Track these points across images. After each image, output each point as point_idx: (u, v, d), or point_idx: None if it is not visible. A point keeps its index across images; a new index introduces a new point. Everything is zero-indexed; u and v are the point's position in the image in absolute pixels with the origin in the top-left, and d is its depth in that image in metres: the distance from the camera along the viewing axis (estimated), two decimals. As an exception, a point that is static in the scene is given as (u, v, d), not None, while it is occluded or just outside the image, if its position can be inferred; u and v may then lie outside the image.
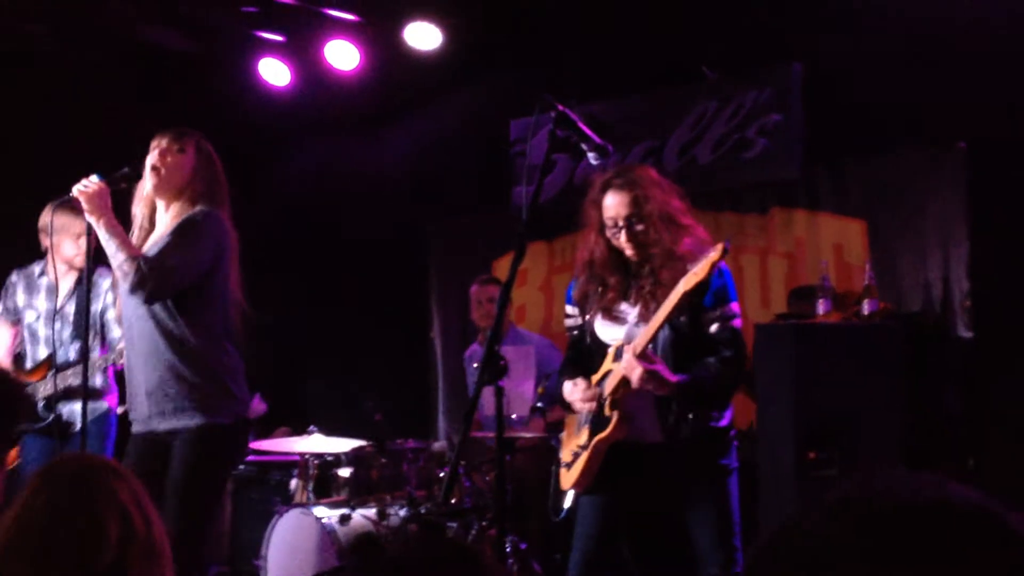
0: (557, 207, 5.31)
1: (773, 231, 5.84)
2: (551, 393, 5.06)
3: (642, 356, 3.15)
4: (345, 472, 5.30)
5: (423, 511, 4.97)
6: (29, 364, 4.64)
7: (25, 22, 5.88)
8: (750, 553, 0.93)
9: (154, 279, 3.42)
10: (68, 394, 4.42)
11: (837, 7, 5.42)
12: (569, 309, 3.59)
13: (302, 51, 6.56)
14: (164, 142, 3.61)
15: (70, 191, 3.51)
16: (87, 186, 3.46)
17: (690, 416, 3.26)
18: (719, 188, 5.93)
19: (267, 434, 5.68)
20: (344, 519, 4.88)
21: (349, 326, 6.90)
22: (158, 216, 3.68)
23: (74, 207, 4.29)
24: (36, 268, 4.72)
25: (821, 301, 4.75)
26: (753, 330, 4.56)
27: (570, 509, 3.48)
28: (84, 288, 3.77)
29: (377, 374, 6.63)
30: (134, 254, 3.45)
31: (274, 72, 6.68)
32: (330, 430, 5.46)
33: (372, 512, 4.96)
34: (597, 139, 3.07)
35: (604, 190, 3.38)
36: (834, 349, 4.43)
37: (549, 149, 3.02)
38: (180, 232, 3.53)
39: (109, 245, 3.46)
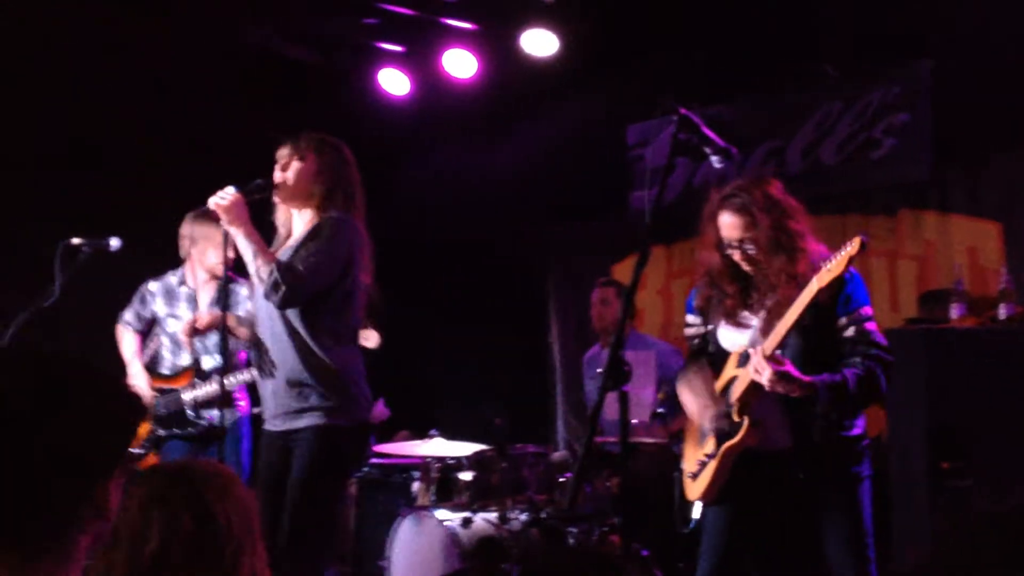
0: (676, 211, 5.26)
1: (902, 233, 5.67)
2: (672, 400, 5.02)
3: (771, 358, 3.09)
4: (466, 476, 5.34)
5: (544, 516, 4.98)
6: (168, 371, 4.81)
7: (163, 40, 6.11)
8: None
9: (287, 285, 3.50)
10: (212, 401, 4.58)
11: (967, 1, 5.23)
12: (690, 318, 3.56)
13: (421, 60, 6.67)
14: (284, 152, 3.72)
15: (206, 203, 3.64)
16: (223, 198, 3.57)
17: (832, 417, 3.17)
18: (845, 190, 5.79)
19: (388, 437, 5.78)
20: (466, 522, 4.93)
21: (468, 331, 6.96)
22: (293, 224, 3.79)
23: (214, 217, 4.49)
24: (173, 278, 4.88)
25: (955, 305, 4.59)
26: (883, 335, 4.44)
27: (697, 520, 3.43)
28: (224, 296, 3.89)
29: (497, 379, 6.67)
30: (269, 261, 3.55)
31: (394, 82, 6.81)
32: (451, 434, 5.53)
33: (493, 516, 4.99)
34: (721, 142, 3.04)
35: (720, 208, 3.34)
36: (968, 355, 4.27)
37: (671, 153, 3.00)
38: (311, 239, 3.62)
39: (247, 253, 3.57)
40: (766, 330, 3.22)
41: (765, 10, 5.83)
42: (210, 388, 4.59)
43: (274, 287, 3.51)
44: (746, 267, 3.32)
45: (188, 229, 4.77)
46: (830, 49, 5.82)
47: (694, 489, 3.41)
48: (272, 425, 3.69)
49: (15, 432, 1.36)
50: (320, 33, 6.55)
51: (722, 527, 3.34)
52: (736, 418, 3.27)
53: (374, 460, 5.71)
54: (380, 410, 5.02)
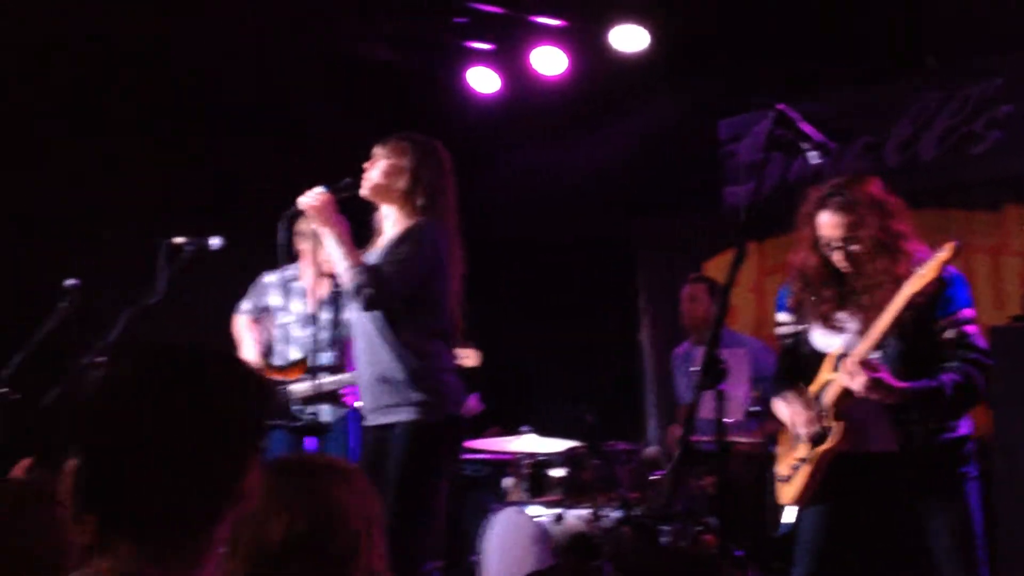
0: (770, 207, 5.19)
1: (1007, 229, 5.50)
2: (767, 399, 4.96)
3: (864, 364, 3.04)
4: (558, 472, 5.35)
5: (636, 513, 4.97)
6: (279, 361, 4.92)
7: (260, 43, 6.25)
8: None
9: (371, 288, 3.55)
10: (320, 396, 4.66)
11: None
12: (782, 316, 3.49)
13: (510, 58, 6.70)
14: (377, 151, 3.77)
15: (296, 204, 3.70)
16: (313, 198, 3.64)
17: (929, 424, 3.11)
18: (945, 184, 5.64)
19: (479, 433, 5.82)
20: (558, 519, 4.94)
21: (559, 328, 6.96)
22: (384, 223, 3.83)
23: None
24: (290, 272, 4.99)
25: (1062, 302, 4.44)
26: (987, 333, 4.31)
27: (790, 524, 3.38)
28: (338, 295, 3.95)
29: (588, 375, 6.68)
30: (355, 264, 3.59)
31: (483, 80, 6.85)
32: (542, 430, 5.54)
33: (585, 512, 5.00)
34: (819, 137, 2.98)
35: (819, 206, 3.27)
36: (1078, 352, 4.14)
37: (767, 148, 2.96)
38: (399, 243, 3.66)
39: (336, 253, 3.62)
40: (863, 333, 3.17)
41: (860, 1, 5.72)
42: (319, 383, 4.67)
43: (357, 290, 3.56)
44: (844, 267, 3.26)
45: (309, 226, 4.89)
46: (929, 41, 5.68)
47: (786, 493, 3.37)
48: (369, 420, 3.76)
49: (154, 425, 1.39)
50: (410, 34, 6.62)
51: (817, 530, 3.28)
52: (830, 423, 3.21)
53: (466, 456, 5.76)
54: (473, 404, 5.05)
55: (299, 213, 3.75)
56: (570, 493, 5.20)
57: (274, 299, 4.97)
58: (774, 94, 3.11)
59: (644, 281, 7.14)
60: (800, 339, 3.40)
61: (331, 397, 4.64)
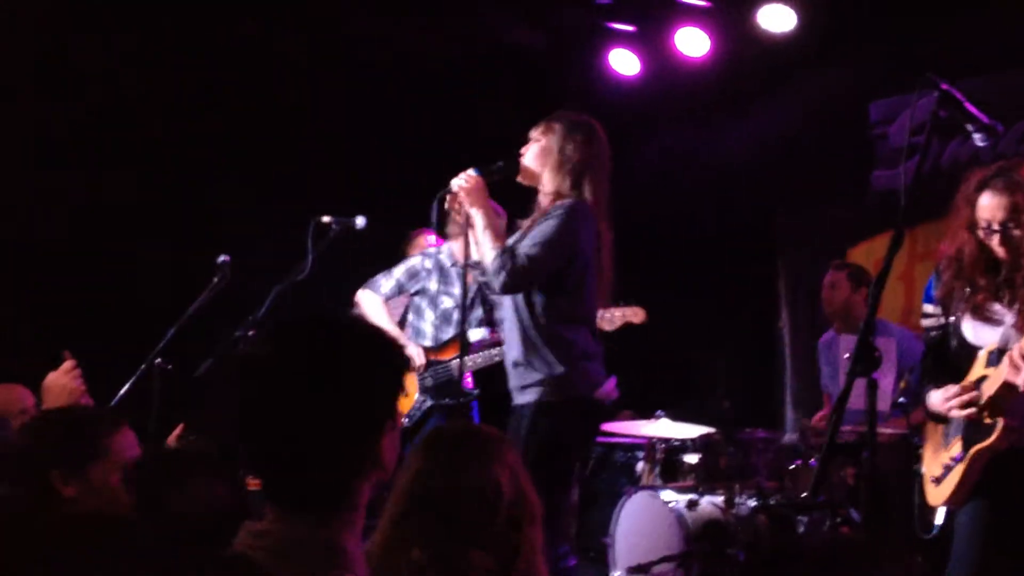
0: (923, 191, 5.00)
1: None
2: (913, 390, 4.79)
3: None
4: (692, 458, 5.30)
5: (773, 502, 4.88)
6: (432, 343, 5.02)
7: (404, 31, 6.37)
8: None
9: (506, 271, 3.57)
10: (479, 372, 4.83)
11: None
12: (929, 308, 3.35)
13: (652, 40, 6.63)
14: (534, 132, 3.78)
15: (448, 185, 3.74)
16: (466, 180, 3.68)
17: None
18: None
19: (611, 417, 5.80)
20: (692, 504, 4.90)
21: (696, 313, 6.88)
22: (538, 200, 3.83)
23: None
24: (443, 256, 5.09)
25: None
26: None
27: (942, 526, 3.25)
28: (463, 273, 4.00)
29: (724, 362, 6.57)
30: (499, 245, 3.62)
31: (624, 62, 6.80)
32: (677, 416, 5.49)
33: (720, 500, 4.94)
34: (985, 119, 2.86)
35: (981, 188, 3.15)
36: None
37: (929, 131, 2.84)
38: (542, 226, 3.65)
39: (483, 236, 3.65)
40: (1020, 314, 3.03)
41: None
42: (479, 359, 4.76)
43: (495, 272, 3.58)
44: (1002, 254, 3.12)
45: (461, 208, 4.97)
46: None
47: (937, 494, 3.23)
48: (513, 398, 3.81)
49: (298, 397, 1.45)
50: (552, 16, 6.62)
51: (976, 531, 3.12)
52: (989, 419, 3.07)
53: (598, 439, 5.75)
54: (610, 389, 5.05)
55: (450, 193, 3.77)
56: (704, 479, 5.14)
57: (433, 284, 5.06)
58: (928, 74, 2.97)
59: (785, 267, 6.98)
60: (948, 332, 3.26)
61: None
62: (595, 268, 3.72)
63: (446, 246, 5.10)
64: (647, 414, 5.59)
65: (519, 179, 3.81)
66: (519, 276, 3.57)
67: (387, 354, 1.54)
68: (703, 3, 6.25)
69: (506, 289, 3.63)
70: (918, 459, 3.44)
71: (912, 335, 5.33)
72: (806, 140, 6.62)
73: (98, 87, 5.89)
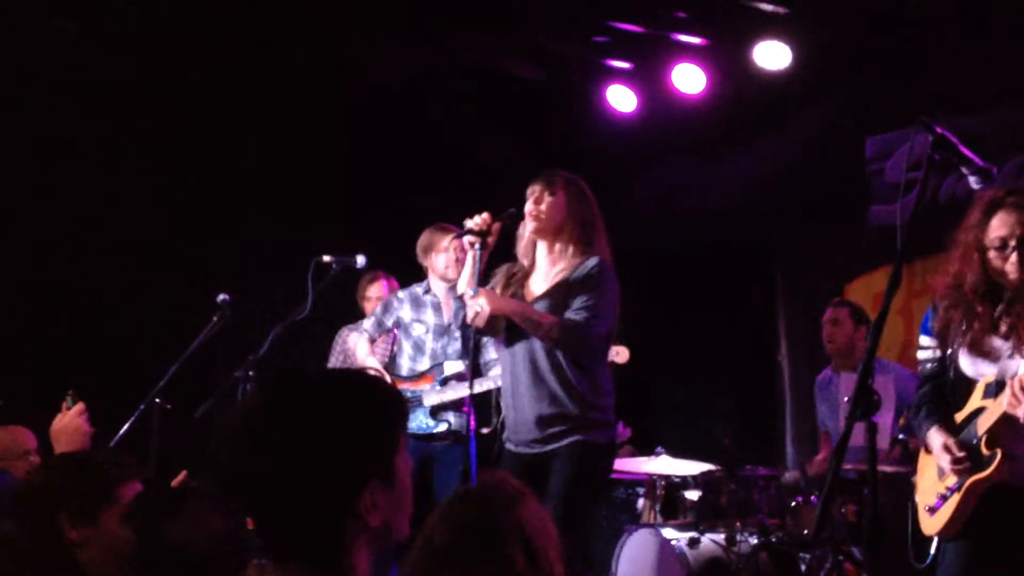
0: (919, 227, 5.02)
1: None
2: (911, 427, 4.79)
3: None
4: (693, 495, 5.29)
5: (775, 540, 4.86)
6: (406, 373, 5.02)
7: (401, 61, 6.42)
8: None
9: (572, 343, 3.76)
10: (450, 405, 4.82)
11: None
12: (924, 340, 3.33)
13: (649, 77, 6.68)
14: (537, 188, 3.91)
15: (461, 224, 3.90)
16: (481, 221, 3.84)
17: None
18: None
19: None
20: (693, 542, 4.88)
21: (695, 348, 6.90)
22: (538, 254, 3.96)
23: (442, 228, 4.75)
24: (420, 288, 5.12)
25: None
26: None
27: (935, 556, 3.25)
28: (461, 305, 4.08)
29: (724, 397, 6.58)
30: (551, 321, 3.76)
31: (621, 99, 6.85)
32: (677, 452, 5.48)
33: (721, 537, 4.92)
34: (980, 162, 2.87)
35: (993, 209, 3.13)
36: None
37: (926, 172, 2.85)
38: (581, 285, 3.79)
39: (531, 325, 3.80)
40: (1019, 345, 3.02)
41: (1008, 11, 5.48)
42: (451, 392, 4.77)
43: (557, 345, 3.77)
44: (1013, 275, 3.08)
45: (422, 239, 5.02)
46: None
47: (932, 523, 3.22)
48: (526, 448, 3.88)
49: (283, 455, 1.47)
50: (551, 52, 6.68)
51: (963, 564, 3.12)
52: (986, 451, 3.06)
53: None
54: (621, 431, 5.12)
55: (437, 224, 3.87)
56: (705, 517, 5.13)
57: (405, 312, 5.06)
58: (923, 110, 2.99)
59: (783, 302, 6.99)
60: (945, 364, 3.24)
61: (456, 406, 4.75)
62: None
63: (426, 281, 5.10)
64: (647, 450, 5.58)
65: (533, 230, 3.92)
66: (584, 345, 3.78)
67: (367, 409, 1.53)
68: (699, 41, 6.30)
69: (569, 354, 3.79)
70: (913, 490, 3.43)
71: (910, 373, 5.33)
72: (803, 176, 6.65)
73: (98, 125, 5.92)
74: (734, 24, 6.15)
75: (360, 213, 6.45)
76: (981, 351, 3.14)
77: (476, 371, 4.78)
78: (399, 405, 1.60)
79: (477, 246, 3.84)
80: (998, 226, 3.11)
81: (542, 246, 3.96)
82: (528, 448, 3.86)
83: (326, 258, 4.63)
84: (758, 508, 5.03)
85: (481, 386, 4.63)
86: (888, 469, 4.80)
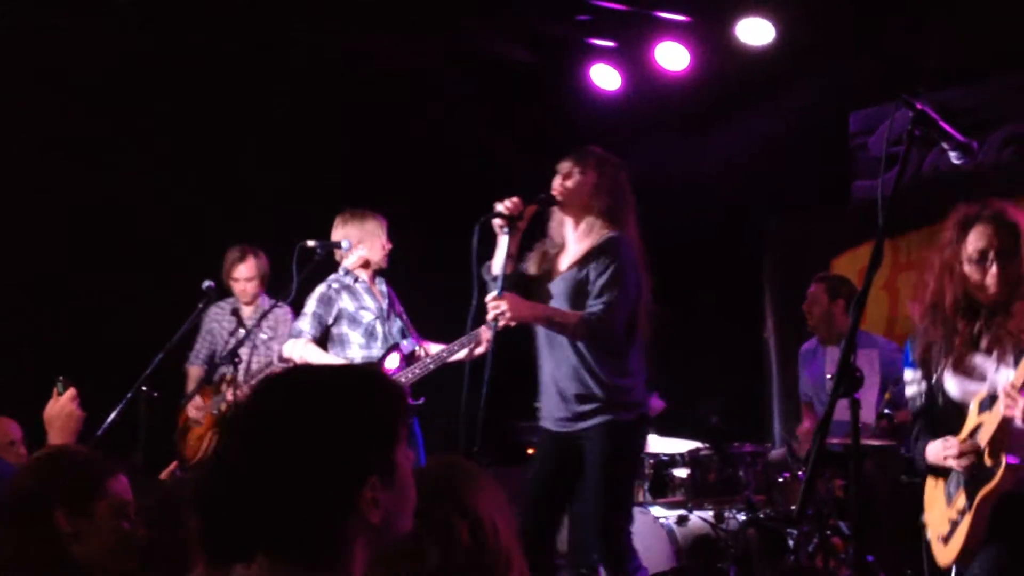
0: (904, 201, 5.02)
1: None
2: (897, 402, 4.81)
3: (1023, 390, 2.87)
4: (681, 473, 5.32)
5: (762, 516, 4.89)
6: (361, 360, 4.82)
7: (387, 47, 6.39)
8: None
9: (596, 337, 3.78)
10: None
11: None
12: (909, 374, 3.29)
13: (632, 55, 6.66)
14: (567, 165, 3.93)
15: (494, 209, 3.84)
16: (511, 204, 3.81)
17: None
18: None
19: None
20: (681, 520, 4.91)
21: (682, 326, 6.89)
22: (567, 232, 3.98)
23: (366, 215, 4.82)
24: (347, 279, 4.87)
25: None
26: None
27: None
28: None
29: (711, 375, 6.59)
30: (572, 320, 3.78)
31: (605, 77, 6.83)
32: (665, 430, 5.50)
33: (709, 515, 4.95)
34: (961, 138, 2.86)
35: (968, 225, 3.11)
36: None
37: (907, 148, 2.83)
38: (596, 262, 3.81)
39: (559, 327, 3.83)
40: (1003, 357, 3.01)
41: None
42: (416, 370, 4.73)
43: (584, 340, 3.79)
44: (992, 289, 3.05)
45: (351, 226, 4.92)
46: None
47: (947, 552, 3.12)
48: (557, 425, 3.92)
49: (275, 446, 1.45)
50: (534, 32, 6.65)
51: (992, 571, 3.00)
52: (989, 462, 3.00)
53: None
54: (655, 403, 5.14)
55: (496, 216, 3.83)
56: (694, 494, 5.15)
57: (347, 303, 4.82)
58: (907, 84, 2.98)
59: (769, 279, 7.00)
60: (933, 393, 3.20)
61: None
62: (643, 292, 3.92)
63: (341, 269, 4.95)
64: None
65: (561, 207, 3.94)
66: (608, 338, 3.79)
67: (368, 404, 1.51)
68: (682, 18, 6.28)
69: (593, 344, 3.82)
70: (908, 467, 3.40)
71: (896, 347, 5.35)
72: (787, 152, 6.65)
73: (79, 121, 5.88)
74: (716, 1, 6.13)
75: (346, 197, 6.42)
76: (965, 369, 3.11)
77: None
78: (401, 399, 1.58)
79: (506, 230, 3.82)
80: (975, 239, 3.09)
81: (569, 224, 3.97)
82: (559, 427, 3.90)
83: (310, 243, 4.61)
84: (746, 485, 5.05)
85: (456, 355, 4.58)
86: (875, 442, 4.83)
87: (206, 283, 4.93)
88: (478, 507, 1.86)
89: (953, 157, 2.92)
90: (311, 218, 5.11)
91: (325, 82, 6.47)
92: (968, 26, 5.69)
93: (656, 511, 5.00)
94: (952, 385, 3.15)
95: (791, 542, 4.77)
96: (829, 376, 4.78)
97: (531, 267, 4.03)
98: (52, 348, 5.56)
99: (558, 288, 3.91)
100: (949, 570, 3.15)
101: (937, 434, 3.17)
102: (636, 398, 3.87)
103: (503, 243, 3.85)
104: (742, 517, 4.90)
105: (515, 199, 3.81)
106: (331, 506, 1.45)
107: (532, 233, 4.08)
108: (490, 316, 3.73)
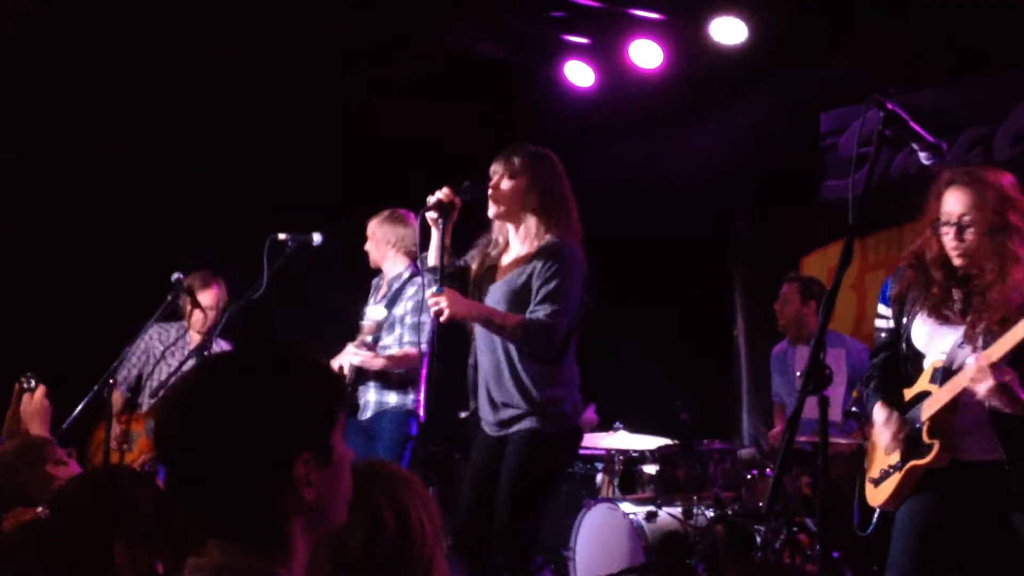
0: (873, 202, 5.06)
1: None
2: (864, 401, 4.85)
3: (994, 367, 2.92)
4: (651, 469, 5.34)
5: (730, 513, 4.92)
6: None
7: (355, 37, 6.35)
8: None
9: (536, 345, 3.68)
10: (363, 378, 4.80)
11: None
12: (882, 309, 3.37)
13: (606, 52, 6.67)
14: (496, 170, 3.82)
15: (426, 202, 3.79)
16: (444, 195, 3.76)
17: None
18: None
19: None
20: (651, 516, 4.93)
21: (653, 324, 6.92)
22: (509, 231, 3.89)
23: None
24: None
25: None
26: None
27: (876, 526, 3.32)
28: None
29: (681, 372, 6.62)
30: (511, 322, 3.67)
31: (579, 74, 6.83)
32: (635, 427, 5.52)
33: (678, 511, 4.97)
34: (930, 138, 2.90)
35: (948, 184, 3.16)
36: None
37: (877, 148, 2.87)
38: (551, 286, 3.68)
39: (495, 328, 3.73)
40: (971, 335, 3.06)
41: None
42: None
43: (521, 347, 3.70)
44: (955, 258, 3.12)
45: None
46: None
47: (875, 495, 3.31)
48: (488, 429, 3.86)
49: (207, 417, 1.49)
50: (508, 28, 6.64)
51: (912, 533, 3.18)
52: (927, 439, 3.12)
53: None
54: (590, 416, 5.13)
55: (429, 210, 3.79)
56: (663, 491, 5.18)
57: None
58: (877, 86, 3.01)
59: (740, 276, 7.04)
60: (899, 335, 3.29)
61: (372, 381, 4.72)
62: (581, 298, 3.82)
63: None
64: (605, 426, 5.61)
65: (495, 217, 3.84)
66: (548, 346, 3.68)
67: (301, 380, 1.54)
68: (656, 16, 6.30)
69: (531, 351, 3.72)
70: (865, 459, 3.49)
71: (862, 346, 5.40)
72: (760, 150, 6.68)
73: (54, 122, 5.82)
74: (690, -1, 6.16)
75: (318, 191, 6.39)
76: (938, 318, 3.16)
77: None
78: (335, 384, 1.63)
79: (441, 223, 3.76)
80: (946, 203, 3.15)
81: (510, 225, 3.88)
82: (490, 430, 3.85)
83: (281, 236, 4.58)
84: (714, 482, 5.08)
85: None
86: (842, 441, 4.87)
87: (175, 275, 4.90)
88: (408, 504, 1.90)
89: (923, 157, 2.96)
90: (279, 215, 5.07)
91: (292, 77, 6.42)
92: (936, 31, 5.74)
93: (625, 507, 5.01)
94: (919, 332, 3.21)
95: (759, 538, 4.80)
96: (799, 374, 4.83)
97: (473, 263, 3.95)
98: (14, 341, 5.50)
99: (498, 288, 3.83)
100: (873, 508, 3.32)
101: (891, 378, 3.28)
102: (565, 409, 3.75)
103: (436, 235, 3.81)
104: (711, 513, 4.93)
105: (446, 190, 3.76)
106: (264, 477, 1.47)
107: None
108: (432, 311, 3.70)
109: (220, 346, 5.04)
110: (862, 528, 3.38)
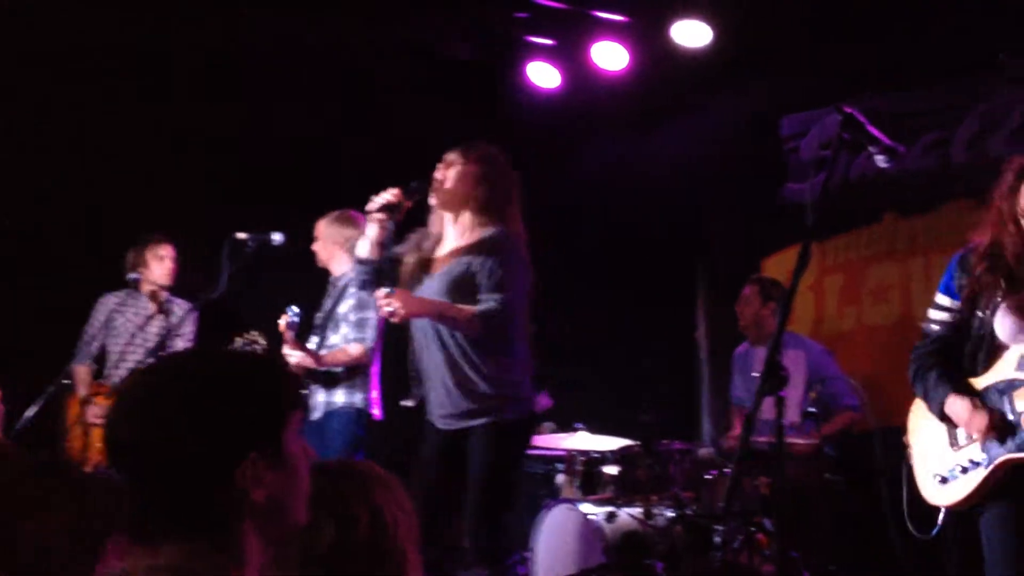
0: (831, 206, 5.11)
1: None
2: (823, 402, 4.89)
3: None
4: (611, 470, 5.35)
5: (689, 513, 4.94)
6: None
7: (326, 39, 6.32)
8: None
9: (487, 331, 3.70)
10: (313, 379, 4.80)
11: None
12: (942, 299, 3.19)
13: (571, 53, 6.67)
14: (451, 156, 3.84)
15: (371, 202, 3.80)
16: (393, 196, 3.78)
17: None
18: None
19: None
20: (610, 517, 4.93)
21: (614, 325, 6.94)
22: (446, 224, 3.89)
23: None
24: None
25: None
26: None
27: (942, 527, 3.18)
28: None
29: (642, 374, 6.64)
30: (467, 316, 3.68)
31: (543, 75, 6.83)
32: (596, 428, 5.53)
33: (638, 511, 4.98)
34: (887, 141, 2.93)
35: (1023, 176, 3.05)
36: None
37: (835, 151, 2.90)
38: (495, 275, 3.70)
39: (451, 321, 3.74)
40: None
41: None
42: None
43: (474, 336, 3.70)
44: None
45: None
46: (1003, 36, 5.54)
47: (944, 494, 3.10)
48: (440, 423, 3.85)
49: (154, 415, 1.48)
50: (472, 28, 6.63)
51: (1010, 534, 2.97)
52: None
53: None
54: (543, 401, 5.13)
55: (381, 211, 3.81)
56: (623, 491, 5.19)
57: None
58: (838, 90, 3.04)
59: (702, 279, 7.08)
60: (968, 325, 3.10)
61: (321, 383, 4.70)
62: (528, 289, 3.84)
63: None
64: (566, 427, 5.62)
65: (441, 205, 3.84)
66: (498, 332, 3.71)
67: (248, 378, 1.53)
68: (620, 18, 6.32)
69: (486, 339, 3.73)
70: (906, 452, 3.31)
71: (822, 349, 5.46)
72: (722, 153, 6.73)
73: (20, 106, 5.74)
74: (654, 1, 6.18)
75: (279, 190, 6.35)
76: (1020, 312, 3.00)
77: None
78: (286, 383, 1.60)
79: (390, 224, 3.80)
80: None
81: (448, 217, 3.89)
82: (445, 424, 3.84)
83: (241, 235, 4.54)
84: (674, 482, 5.10)
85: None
86: (800, 442, 4.92)
87: (132, 275, 4.85)
88: (381, 501, 1.88)
89: (879, 160, 2.98)
90: (243, 213, 5.04)
91: (258, 73, 6.38)
92: (896, 38, 5.81)
93: (585, 508, 5.02)
94: (1003, 323, 3.04)
95: (718, 538, 4.82)
96: (755, 375, 4.86)
97: (406, 256, 3.94)
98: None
99: (437, 280, 3.82)
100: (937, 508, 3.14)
101: (955, 368, 3.11)
102: (524, 393, 3.81)
103: (371, 230, 3.83)
104: (670, 514, 4.94)
105: (396, 190, 3.78)
106: (209, 478, 1.46)
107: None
108: (383, 312, 3.69)
109: (178, 304, 5.03)
110: (923, 530, 3.25)
